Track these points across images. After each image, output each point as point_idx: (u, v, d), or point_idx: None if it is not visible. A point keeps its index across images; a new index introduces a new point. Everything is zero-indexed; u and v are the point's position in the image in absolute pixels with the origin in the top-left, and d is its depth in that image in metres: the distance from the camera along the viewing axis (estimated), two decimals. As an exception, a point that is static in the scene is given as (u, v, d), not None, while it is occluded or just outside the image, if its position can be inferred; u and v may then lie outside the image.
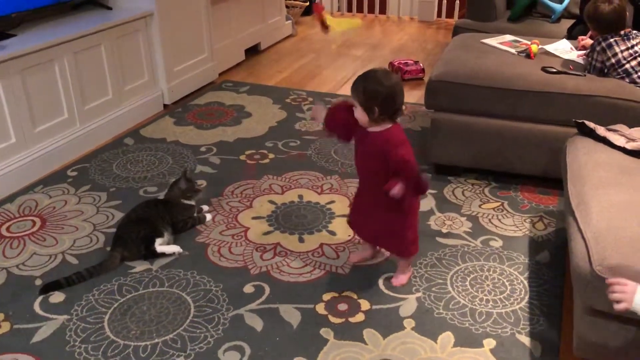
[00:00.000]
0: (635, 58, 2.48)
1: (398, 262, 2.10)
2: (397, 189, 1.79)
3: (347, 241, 2.32)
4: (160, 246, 2.21)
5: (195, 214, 2.43)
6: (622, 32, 2.51)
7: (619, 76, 2.51)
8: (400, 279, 2.08)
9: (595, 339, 1.61)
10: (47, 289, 2.05)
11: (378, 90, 1.79)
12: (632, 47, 2.49)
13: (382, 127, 1.85)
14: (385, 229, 1.99)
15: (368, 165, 1.95)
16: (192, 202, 2.42)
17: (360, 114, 1.84)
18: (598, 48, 2.54)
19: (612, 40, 2.50)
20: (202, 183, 2.75)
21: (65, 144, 2.97)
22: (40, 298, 2.02)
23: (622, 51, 2.48)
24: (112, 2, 3.45)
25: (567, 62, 2.72)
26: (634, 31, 2.54)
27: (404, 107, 1.85)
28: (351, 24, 1.91)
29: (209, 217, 2.47)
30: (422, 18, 5.93)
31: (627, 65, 2.49)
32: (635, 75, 2.48)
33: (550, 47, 2.87)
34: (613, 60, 2.50)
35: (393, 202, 1.86)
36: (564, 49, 2.88)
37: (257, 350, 1.79)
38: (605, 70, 2.55)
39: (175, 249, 2.24)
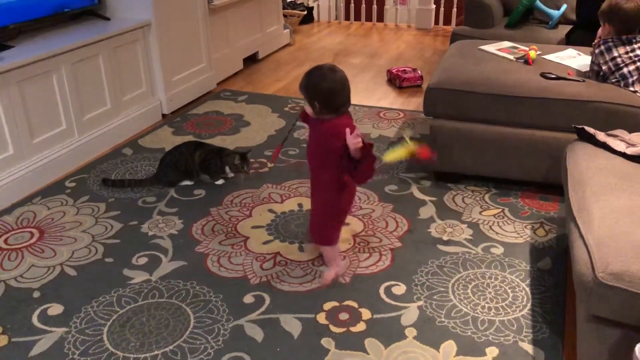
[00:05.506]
0: (634, 62, 2.47)
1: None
2: (354, 136, 1.86)
3: (347, 249, 2.31)
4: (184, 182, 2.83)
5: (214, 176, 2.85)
6: (624, 37, 2.48)
7: (615, 80, 2.50)
8: (325, 275, 2.12)
9: (598, 346, 1.59)
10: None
11: (318, 86, 1.90)
12: (633, 50, 2.48)
13: (328, 117, 1.94)
14: (315, 213, 2.10)
15: (313, 152, 2.06)
16: (227, 174, 2.83)
17: (306, 107, 1.96)
18: (597, 51, 2.55)
19: (611, 43, 2.50)
20: (200, 194, 2.75)
21: (64, 154, 2.96)
22: (38, 311, 2.00)
23: (620, 55, 2.48)
24: (110, 12, 3.45)
25: (565, 68, 2.72)
26: (639, 37, 2.52)
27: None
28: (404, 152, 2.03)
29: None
30: (420, 26, 5.94)
31: (625, 69, 2.47)
32: (630, 80, 2.47)
33: (552, 56, 2.87)
34: (610, 64, 2.50)
35: (328, 187, 1.99)
36: (568, 56, 2.87)
37: (258, 361, 1.78)
38: (601, 73, 2.55)
39: (188, 182, 2.83)
